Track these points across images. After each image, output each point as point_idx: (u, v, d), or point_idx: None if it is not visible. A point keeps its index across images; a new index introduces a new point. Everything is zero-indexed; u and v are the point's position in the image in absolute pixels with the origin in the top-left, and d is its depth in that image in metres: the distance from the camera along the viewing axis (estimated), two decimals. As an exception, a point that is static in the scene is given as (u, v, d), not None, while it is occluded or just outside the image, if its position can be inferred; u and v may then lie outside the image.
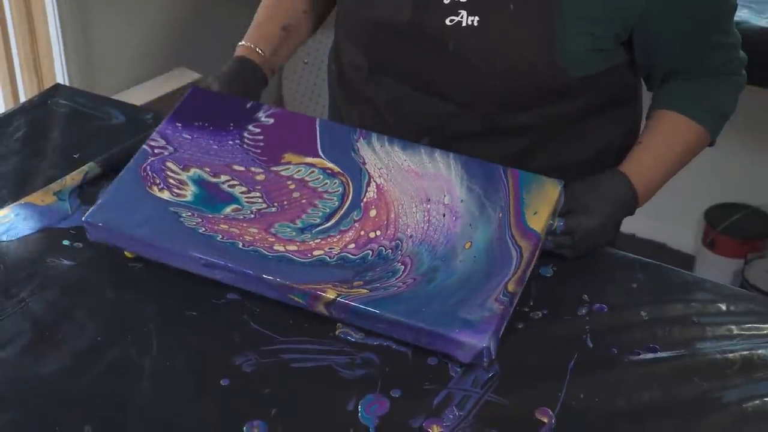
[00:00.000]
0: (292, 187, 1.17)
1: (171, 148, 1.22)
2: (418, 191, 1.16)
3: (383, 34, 1.26)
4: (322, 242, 1.12)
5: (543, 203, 1.14)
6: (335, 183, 1.17)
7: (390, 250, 1.11)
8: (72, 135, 1.41)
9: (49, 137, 1.41)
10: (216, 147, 1.22)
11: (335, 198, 1.16)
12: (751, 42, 1.34)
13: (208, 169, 1.20)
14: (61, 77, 2.47)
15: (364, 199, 1.15)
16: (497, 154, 1.24)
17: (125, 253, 1.17)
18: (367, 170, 1.18)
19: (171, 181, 1.18)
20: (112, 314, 1.11)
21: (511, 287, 1.07)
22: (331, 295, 1.06)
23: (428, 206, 1.14)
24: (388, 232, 1.12)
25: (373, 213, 1.14)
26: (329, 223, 1.14)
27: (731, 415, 1.01)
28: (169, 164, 1.20)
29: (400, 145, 1.20)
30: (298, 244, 1.12)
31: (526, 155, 1.29)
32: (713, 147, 1.32)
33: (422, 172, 1.17)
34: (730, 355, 1.08)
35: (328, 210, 1.15)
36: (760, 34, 2.06)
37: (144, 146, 1.22)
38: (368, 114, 1.37)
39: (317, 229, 1.13)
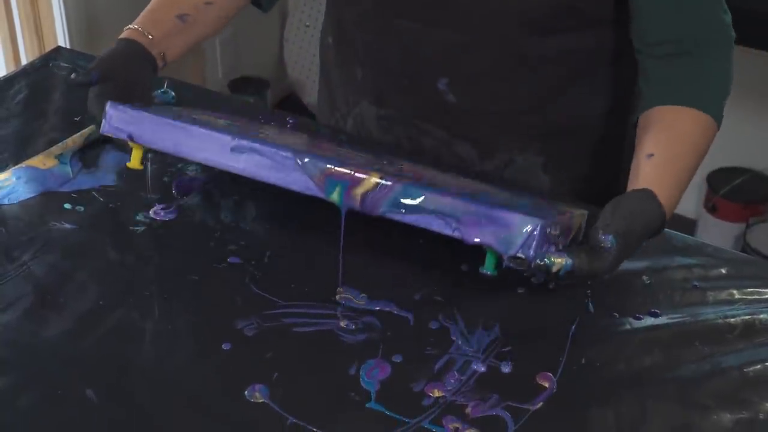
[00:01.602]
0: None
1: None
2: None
3: None
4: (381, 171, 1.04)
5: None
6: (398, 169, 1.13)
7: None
8: (73, 98, 1.39)
9: (51, 100, 1.40)
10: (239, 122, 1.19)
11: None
12: (749, 2, 1.32)
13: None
14: (62, 40, 2.45)
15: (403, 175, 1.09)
16: (517, 97, 1.22)
17: (133, 150, 1.12)
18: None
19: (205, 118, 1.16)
20: (113, 278, 1.11)
21: (556, 226, 1.00)
22: (375, 177, 1.00)
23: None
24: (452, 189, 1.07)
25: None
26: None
27: (732, 380, 1.01)
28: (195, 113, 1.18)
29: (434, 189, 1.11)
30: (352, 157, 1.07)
31: (551, 98, 1.26)
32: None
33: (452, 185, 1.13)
34: (732, 319, 1.08)
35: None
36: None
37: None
38: (375, 73, 1.32)
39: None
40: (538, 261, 0.97)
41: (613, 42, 1.25)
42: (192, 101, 1.40)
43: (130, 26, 1.24)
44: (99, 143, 1.30)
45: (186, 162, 1.27)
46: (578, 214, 1.11)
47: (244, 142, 1.04)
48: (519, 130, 1.29)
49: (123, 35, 1.23)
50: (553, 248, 0.98)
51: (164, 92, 1.38)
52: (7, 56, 2.50)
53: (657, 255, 1.15)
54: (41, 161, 1.25)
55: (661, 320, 1.07)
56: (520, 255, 0.96)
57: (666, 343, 1.05)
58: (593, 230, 1.00)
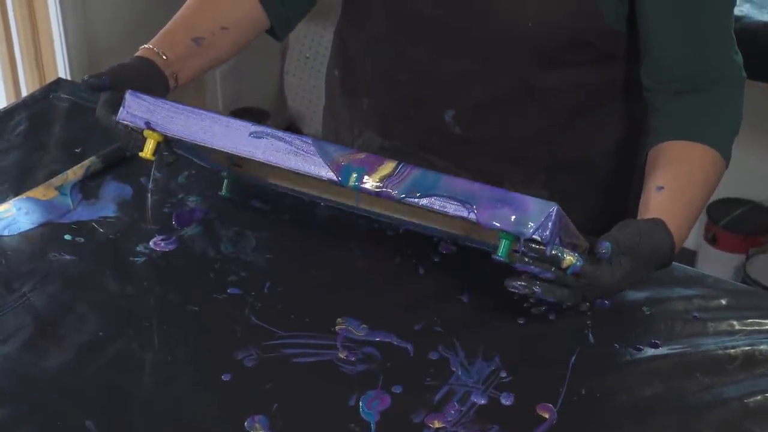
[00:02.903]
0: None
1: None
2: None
3: None
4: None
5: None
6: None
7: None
8: (73, 129, 1.41)
9: (51, 132, 1.41)
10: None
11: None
12: (753, 37, 1.33)
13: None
14: (62, 71, 2.46)
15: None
16: (523, 130, 1.23)
17: (147, 138, 1.10)
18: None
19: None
20: (113, 308, 1.10)
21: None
22: (391, 164, 1.00)
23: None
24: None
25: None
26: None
27: (733, 411, 1.01)
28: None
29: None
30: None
31: (558, 131, 1.26)
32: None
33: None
34: (732, 350, 1.08)
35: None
36: (761, 28, 2.06)
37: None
38: (381, 102, 1.32)
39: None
40: (552, 250, 0.97)
41: (622, 78, 1.25)
42: None
43: (145, 45, 1.24)
44: (99, 175, 1.30)
45: (186, 193, 1.27)
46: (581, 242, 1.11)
47: (263, 128, 1.04)
48: (524, 164, 1.29)
49: (138, 53, 1.23)
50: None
51: None
52: (7, 88, 2.50)
53: (657, 286, 1.15)
54: (41, 192, 1.25)
55: (662, 351, 1.07)
56: (536, 237, 0.96)
57: (666, 373, 1.04)
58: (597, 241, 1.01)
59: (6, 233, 1.20)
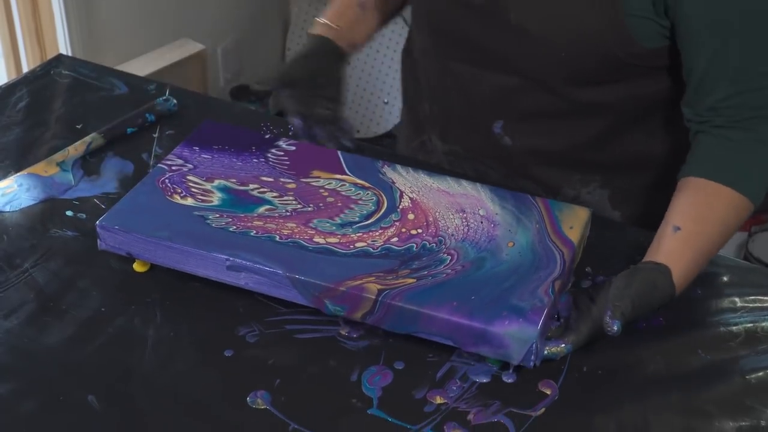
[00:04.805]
0: (326, 194, 1.14)
1: (190, 165, 1.18)
2: (452, 204, 1.13)
3: (444, 9, 1.23)
4: (365, 236, 1.08)
5: (577, 220, 1.11)
6: (368, 194, 1.15)
7: (434, 244, 1.08)
8: (75, 106, 1.40)
9: (52, 108, 1.40)
10: (240, 164, 1.18)
11: (371, 204, 1.13)
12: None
13: (234, 180, 1.16)
14: (63, 47, 2.45)
15: (400, 206, 1.13)
16: (572, 138, 1.23)
17: (134, 266, 1.11)
18: (397, 188, 1.16)
19: (194, 190, 1.14)
20: (115, 284, 1.11)
21: (557, 285, 1.02)
22: (373, 288, 1.01)
23: (464, 215, 1.12)
24: (430, 230, 1.10)
25: (411, 216, 1.11)
26: (369, 221, 1.11)
27: (735, 387, 1.01)
28: (191, 177, 1.16)
29: (426, 172, 1.18)
30: (339, 236, 1.08)
31: (610, 138, 1.24)
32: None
33: (452, 192, 1.15)
34: (734, 327, 1.08)
35: (365, 212, 1.12)
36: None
37: (159, 164, 1.18)
38: (439, 109, 1.35)
39: (357, 225, 1.10)
40: (540, 361, 1.00)
41: (669, 88, 1.20)
42: (193, 109, 1.40)
43: (318, 20, 1.33)
44: (100, 151, 1.30)
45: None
46: (583, 223, 1.11)
47: (239, 261, 1.04)
48: (579, 167, 1.29)
49: (312, 30, 1.32)
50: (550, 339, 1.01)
51: (166, 100, 1.38)
52: (8, 64, 2.50)
53: None
54: (43, 168, 1.25)
55: (664, 328, 1.07)
56: (522, 364, 0.99)
57: (669, 350, 1.04)
58: (601, 308, 1.00)
59: (8, 209, 1.20)
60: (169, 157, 1.19)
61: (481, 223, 1.11)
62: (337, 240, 1.07)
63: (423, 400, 0.97)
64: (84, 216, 1.19)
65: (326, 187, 1.16)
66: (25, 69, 2.46)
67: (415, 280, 1.03)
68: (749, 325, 1.08)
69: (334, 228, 1.09)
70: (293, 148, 1.22)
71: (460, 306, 0.99)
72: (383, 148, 1.40)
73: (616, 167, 1.28)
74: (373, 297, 1.00)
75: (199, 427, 0.95)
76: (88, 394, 0.96)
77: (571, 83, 1.20)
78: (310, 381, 0.99)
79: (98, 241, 1.10)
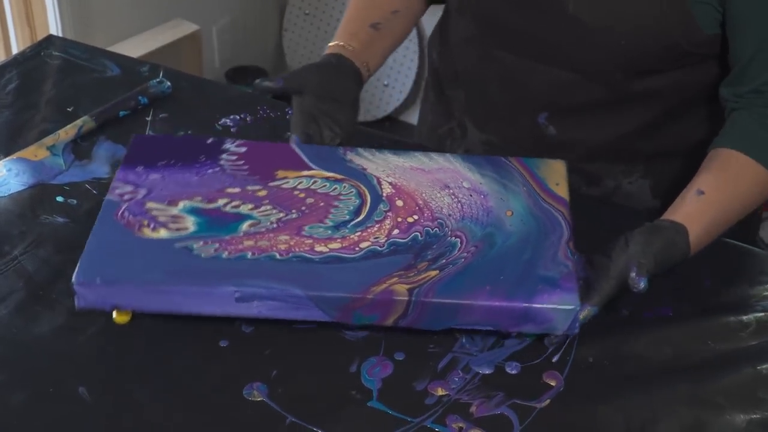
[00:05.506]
0: (302, 195, 1.08)
1: (143, 190, 1.08)
2: (433, 182, 1.11)
3: None
4: (364, 233, 1.04)
5: (559, 177, 1.12)
6: (345, 186, 1.09)
7: (437, 229, 1.05)
8: (66, 88, 1.39)
9: (42, 90, 1.39)
10: (196, 178, 1.09)
11: (353, 197, 1.08)
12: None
13: (199, 198, 1.07)
14: (54, 28, 2.43)
15: (384, 194, 1.09)
16: (619, 128, 1.23)
17: (115, 318, 1.00)
18: (372, 174, 1.11)
19: (162, 219, 1.04)
20: (107, 273, 1.09)
21: (571, 246, 1.03)
22: (401, 289, 0.98)
23: (451, 191, 1.10)
24: (425, 214, 1.07)
25: (400, 203, 1.08)
26: (361, 217, 1.06)
27: (745, 378, 1.00)
28: (151, 204, 1.06)
29: (392, 151, 1.15)
30: (339, 240, 1.03)
31: (657, 128, 1.24)
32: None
33: (427, 168, 1.13)
34: (744, 317, 1.07)
35: (351, 207, 1.07)
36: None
37: (107, 197, 1.07)
38: (475, 98, 1.33)
39: (351, 224, 1.05)
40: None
41: (716, 75, 1.21)
42: (188, 91, 1.38)
43: (331, 43, 1.25)
44: (92, 135, 1.29)
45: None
46: (565, 176, 1.13)
47: (249, 290, 0.97)
48: (622, 158, 1.29)
49: (326, 51, 1.25)
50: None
51: (159, 82, 1.36)
52: (-2, 45, 2.49)
53: None
54: (33, 153, 1.24)
55: (672, 318, 1.06)
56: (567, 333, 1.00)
57: (677, 340, 1.03)
58: (620, 266, 1.00)
59: (-4, 195, 1.19)
60: (115, 183, 1.09)
61: (471, 196, 1.09)
62: (340, 245, 1.03)
63: (424, 392, 0.96)
64: (75, 202, 1.18)
65: (299, 187, 1.09)
66: (15, 50, 2.45)
67: (437, 271, 1.00)
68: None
69: (330, 232, 1.04)
70: (244, 149, 1.14)
71: (494, 289, 0.98)
72: (391, 135, 1.38)
73: (660, 156, 1.28)
74: (405, 298, 0.98)
75: (193, 420, 0.93)
76: (80, 385, 0.95)
77: (626, 74, 1.19)
78: (308, 372, 0.98)
79: (76, 300, 0.99)
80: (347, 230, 1.04)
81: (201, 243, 1.02)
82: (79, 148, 1.27)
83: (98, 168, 1.24)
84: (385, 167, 1.13)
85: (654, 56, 1.16)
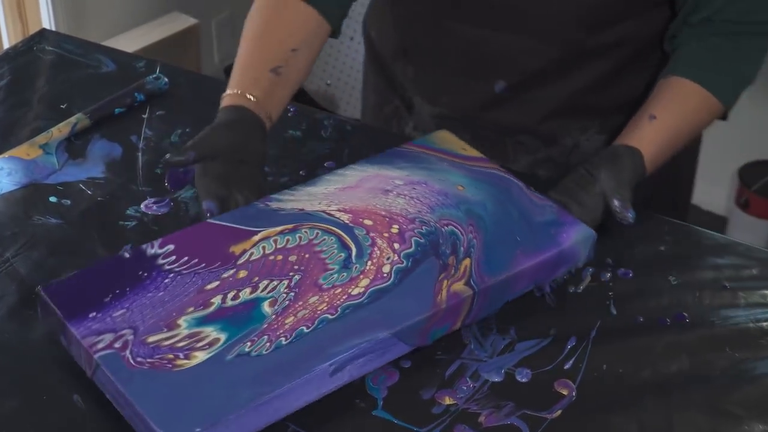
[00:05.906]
0: (280, 258, 1.01)
1: (127, 330, 0.93)
2: (372, 192, 1.08)
3: None
4: (374, 260, 1.01)
5: (455, 142, 1.18)
6: (304, 233, 1.04)
7: (424, 227, 1.04)
8: (59, 84, 1.38)
9: (35, 86, 1.38)
10: (162, 293, 0.97)
11: (325, 236, 1.03)
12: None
13: (191, 308, 0.96)
14: (47, 22, 2.44)
15: (346, 221, 1.05)
16: (575, 84, 1.28)
17: None
18: (315, 212, 1.06)
19: (181, 344, 0.93)
20: (102, 276, 1.08)
21: (533, 189, 1.11)
22: (460, 286, 0.99)
23: (394, 192, 1.09)
24: (400, 220, 1.05)
25: (369, 222, 1.05)
26: (354, 249, 1.02)
27: (764, 388, 0.98)
28: (152, 339, 0.93)
29: (304, 185, 1.10)
30: (359, 277, 0.99)
31: (610, 81, 1.29)
32: (742, 104, 1.27)
33: (353, 184, 1.10)
34: (764, 323, 1.05)
35: (335, 245, 1.02)
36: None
37: (96, 356, 0.91)
38: (425, 72, 1.34)
39: (352, 258, 1.01)
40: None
41: (665, 24, 1.26)
42: (186, 88, 1.38)
43: (229, 91, 1.17)
44: (86, 133, 1.28)
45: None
46: (459, 140, 1.18)
47: (342, 357, 0.92)
48: (577, 114, 1.33)
49: (225, 103, 1.17)
50: None
51: (156, 78, 1.35)
52: (-11, 40, 2.49)
53: (684, 254, 1.13)
54: (25, 151, 1.23)
55: (689, 324, 1.05)
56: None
57: (693, 348, 1.02)
58: (596, 199, 1.11)
59: (-13, 195, 1.18)
60: (87, 340, 0.92)
61: (415, 188, 1.10)
62: (367, 279, 0.99)
63: (431, 401, 0.95)
64: (68, 202, 1.17)
65: (269, 252, 1.03)
66: (6, 45, 2.45)
67: (468, 259, 1.03)
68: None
69: (345, 274, 1.00)
70: (171, 246, 1.02)
71: (524, 250, 1.04)
72: (332, 111, 1.38)
73: (614, 110, 1.32)
74: (470, 292, 0.99)
75: (192, 431, 0.92)
76: (74, 393, 0.94)
77: (584, 28, 1.24)
78: (311, 381, 0.97)
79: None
80: (358, 265, 1.01)
81: (249, 344, 0.93)
82: (73, 146, 1.26)
83: (93, 167, 1.23)
84: (318, 200, 1.08)
85: (606, 3, 1.22)
